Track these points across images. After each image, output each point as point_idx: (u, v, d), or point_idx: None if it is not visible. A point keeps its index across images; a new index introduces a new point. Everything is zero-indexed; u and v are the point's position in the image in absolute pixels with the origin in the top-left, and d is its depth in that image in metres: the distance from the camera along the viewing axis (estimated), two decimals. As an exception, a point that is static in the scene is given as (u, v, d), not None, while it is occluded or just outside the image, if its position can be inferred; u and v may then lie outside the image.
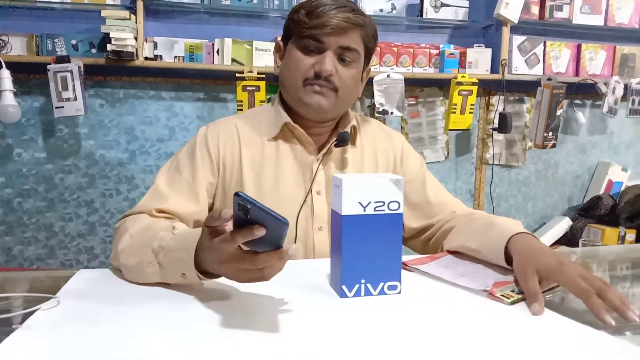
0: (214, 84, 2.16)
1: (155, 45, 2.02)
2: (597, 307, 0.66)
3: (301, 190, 1.01)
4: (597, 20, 2.43)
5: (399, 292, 0.75)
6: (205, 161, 1.00)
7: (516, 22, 2.26)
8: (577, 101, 2.59)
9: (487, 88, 2.44)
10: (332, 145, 1.02)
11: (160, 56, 2.02)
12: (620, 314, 0.66)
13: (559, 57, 2.42)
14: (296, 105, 1.01)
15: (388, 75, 2.16)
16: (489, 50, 2.31)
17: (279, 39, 1.05)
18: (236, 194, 0.57)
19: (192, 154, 1.00)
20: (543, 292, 0.73)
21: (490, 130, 2.46)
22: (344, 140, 1.00)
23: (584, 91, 2.52)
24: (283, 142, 1.03)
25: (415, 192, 1.08)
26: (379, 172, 1.08)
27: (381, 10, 2.24)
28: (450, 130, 2.33)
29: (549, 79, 2.29)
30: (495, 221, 0.90)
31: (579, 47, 2.44)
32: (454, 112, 2.26)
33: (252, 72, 2.01)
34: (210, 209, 1.01)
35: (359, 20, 0.97)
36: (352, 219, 0.72)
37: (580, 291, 0.69)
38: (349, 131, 1.03)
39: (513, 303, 0.71)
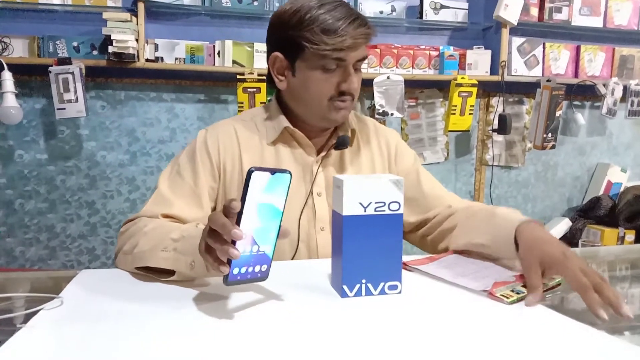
0: (214, 86, 2.17)
1: (157, 47, 2.03)
2: (594, 302, 0.69)
3: (302, 193, 1.01)
4: (596, 22, 2.44)
5: (400, 292, 0.76)
6: (206, 165, 1.00)
7: (515, 23, 2.26)
8: (577, 102, 2.60)
9: (486, 89, 2.45)
10: (332, 148, 1.02)
11: (161, 58, 2.03)
12: (614, 310, 0.68)
13: (558, 59, 2.42)
14: (317, 120, 1.01)
15: (388, 77, 2.17)
16: (489, 52, 2.32)
17: (274, 52, 0.99)
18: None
19: (192, 158, 1.01)
20: (545, 291, 0.74)
21: (490, 132, 2.47)
22: (344, 144, 1.01)
23: (583, 92, 2.53)
24: (282, 145, 1.03)
25: (410, 187, 1.09)
26: (376, 171, 1.09)
27: (381, 12, 2.25)
28: (450, 131, 2.33)
29: (548, 81, 2.29)
30: (496, 212, 0.92)
31: (578, 49, 2.45)
32: (454, 114, 2.27)
33: (252, 73, 2.02)
34: None
35: (371, 32, 0.96)
36: (353, 220, 0.72)
37: (580, 285, 0.71)
38: (348, 134, 1.04)
39: (512, 303, 0.72)
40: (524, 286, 0.77)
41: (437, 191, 1.10)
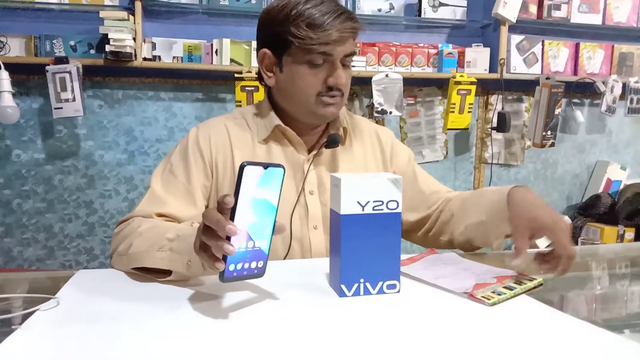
0: (212, 85, 2.16)
1: (154, 46, 2.02)
2: (565, 269, 0.77)
3: (293, 191, 1.01)
4: (595, 19, 2.43)
5: (398, 291, 0.75)
6: (198, 163, 0.99)
7: (514, 21, 2.26)
8: (576, 100, 2.59)
9: (485, 87, 2.44)
10: (323, 146, 1.02)
11: (159, 57, 2.02)
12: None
13: (557, 56, 2.42)
14: (306, 117, 1.01)
15: (387, 75, 2.16)
16: (487, 50, 2.31)
17: (263, 48, 1.00)
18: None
19: (184, 156, 1.00)
20: (527, 291, 0.76)
21: (489, 130, 2.46)
22: (334, 142, 1.01)
23: (583, 90, 2.53)
24: (274, 143, 1.03)
25: (407, 186, 1.09)
26: (369, 169, 1.09)
27: (379, 10, 2.24)
28: (449, 129, 2.33)
29: (547, 78, 2.29)
30: (485, 190, 0.99)
31: (577, 46, 2.44)
32: (453, 112, 2.26)
33: (250, 72, 2.01)
34: None
35: (358, 26, 0.96)
36: (351, 219, 0.72)
37: (567, 252, 0.77)
38: (340, 133, 1.04)
39: (494, 304, 0.71)
40: (506, 287, 0.76)
41: (434, 187, 1.11)
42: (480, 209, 0.95)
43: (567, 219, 2.49)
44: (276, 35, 0.96)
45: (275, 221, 0.66)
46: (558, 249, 0.78)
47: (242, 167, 0.61)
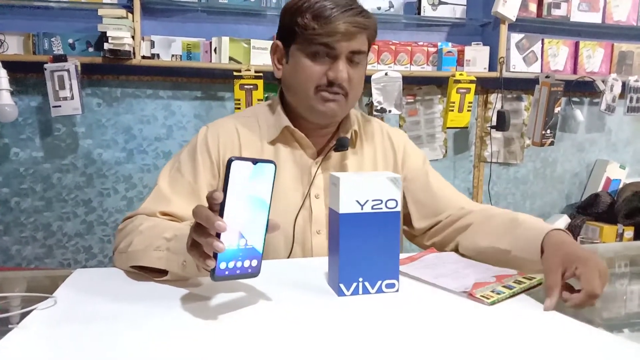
0: (211, 83, 2.16)
1: (153, 44, 2.01)
2: (583, 304, 0.69)
3: (299, 194, 1.00)
4: (595, 18, 2.43)
5: (397, 291, 0.75)
6: (206, 163, 0.99)
7: (514, 19, 2.26)
8: (575, 99, 2.59)
9: (485, 86, 2.44)
10: (332, 149, 1.01)
11: (158, 55, 2.02)
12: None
13: (556, 55, 2.41)
14: (306, 112, 0.99)
15: (386, 74, 2.16)
16: (487, 48, 2.31)
17: (276, 40, 1.02)
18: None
19: (192, 156, 1.00)
20: (525, 291, 0.74)
21: (489, 128, 2.46)
22: (343, 146, 0.99)
23: (582, 89, 2.52)
24: (282, 145, 1.02)
25: (420, 190, 1.06)
26: None
27: (379, 8, 2.23)
28: (448, 128, 2.32)
29: (547, 77, 2.29)
30: (519, 218, 0.90)
31: (576, 45, 2.44)
32: (452, 110, 2.26)
33: (249, 70, 2.01)
34: None
35: (367, 22, 0.95)
36: (350, 217, 0.72)
37: (592, 287, 0.69)
38: (349, 136, 1.02)
39: (493, 304, 0.71)
40: (505, 286, 0.76)
41: (448, 192, 1.06)
42: (510, 239, 0.87)
43: (566, 217, 2.49)
44: (286, 26, 0.97)
45: (268, 219, 0.65)
46: (583, 282, 0.70)
47: (229, 162, 0.59)
